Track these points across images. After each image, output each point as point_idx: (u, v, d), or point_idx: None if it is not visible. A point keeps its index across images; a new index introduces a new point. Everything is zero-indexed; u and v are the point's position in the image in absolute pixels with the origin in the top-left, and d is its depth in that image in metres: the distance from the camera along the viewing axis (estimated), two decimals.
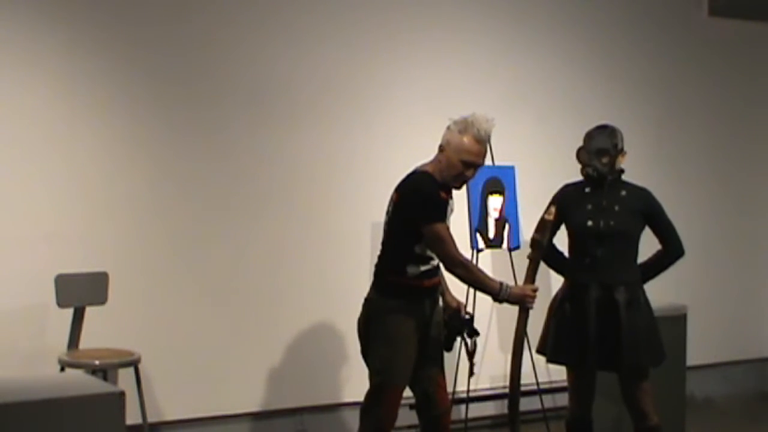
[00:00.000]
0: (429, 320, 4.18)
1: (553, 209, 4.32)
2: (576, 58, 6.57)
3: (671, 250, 4.50)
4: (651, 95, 6.85)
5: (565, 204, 4.50)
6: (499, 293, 4.09)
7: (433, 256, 4.11)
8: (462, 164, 4.08)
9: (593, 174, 4.41)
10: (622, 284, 4.38)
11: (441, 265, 4.17)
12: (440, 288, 4.29)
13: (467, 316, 4.29)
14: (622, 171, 4.49)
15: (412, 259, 4.09)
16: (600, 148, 4.39)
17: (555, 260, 4.62)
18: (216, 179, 5.48)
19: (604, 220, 4.39)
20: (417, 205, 4.05)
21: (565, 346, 4.44)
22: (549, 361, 4.57)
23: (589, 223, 4.41)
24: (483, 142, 4.08)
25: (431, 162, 4.17)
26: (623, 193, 4.44)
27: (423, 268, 4.11)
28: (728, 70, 7.18)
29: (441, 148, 4.12)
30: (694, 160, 7.03)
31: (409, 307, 4.11)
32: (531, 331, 5.69)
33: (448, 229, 4.07)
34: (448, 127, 4.13)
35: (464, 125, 4.08)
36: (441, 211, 4.06)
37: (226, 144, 5.51)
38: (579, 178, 4.55)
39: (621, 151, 4.45)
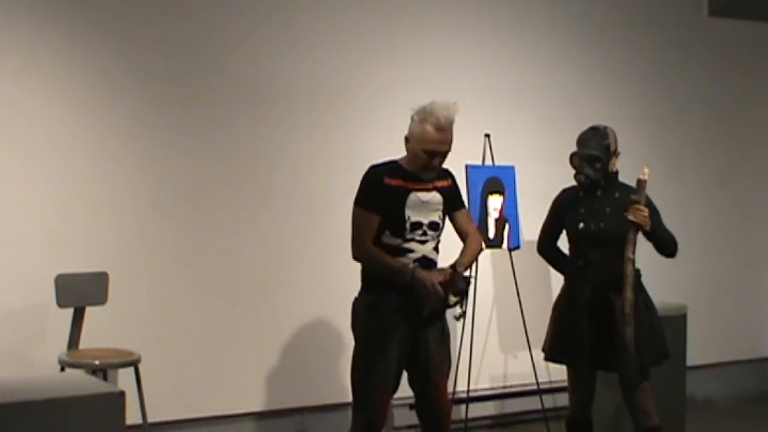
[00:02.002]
0: (418, 319, 4.06)
1: (646, 170, 4.27)
2: (576, 58, 6.57)
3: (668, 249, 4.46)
4: (651, 95, 6.85)
5: (563, 208, 4.54)
6: (407, 275, 3.94)
7: (413, 248, 4.04)
8: (426, 154, 4.04)
9: (585, 182, 4.43)
10: (618, 285, 4.39)
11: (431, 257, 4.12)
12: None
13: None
14: (616, 173, 4.49)
15: (386, 250, 4.04)
16: (591, 155, 4.39)
17: (558, 262, 4.64)
18: (216, 179, 5.48)
19: (595, 223, 4.40)
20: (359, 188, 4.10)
21: (560, 344, 4.48)
22: (546, 359, 4.60)
23: (581, 226, 4.42)
24: (444, 129, 4.00)
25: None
26: (616, 194, 4.45)
27: (401, 260, 4.02)
28: (728, 70, 7.18)
29: (406, 140, 4.09)
30: (694, 159, 7.04)
31: (387, 302, 4.03)
32: (531, 331, 5.73)
33: (368, 218, 4.01)
34: (411, 117, 4.08)
35: (423, 114, 4.02)
36: (368, 197, 4.03)
37: (226, 144, 5.51)
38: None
39: (614, 154, 4.45)
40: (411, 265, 3.98)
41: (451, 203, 4.21)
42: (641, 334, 4.36)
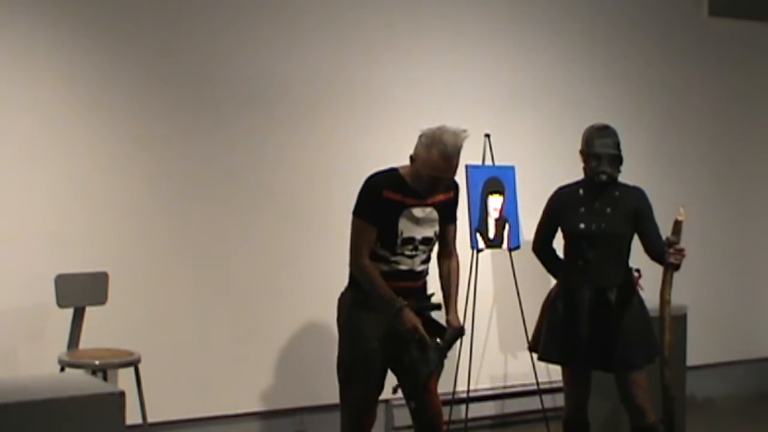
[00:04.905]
0: (399, 347, 4.05)
1: (682, 210, 4.28)
2: (575, 59, 6.57)
3: (658, 251, 4.45)
4: (650, 95, 6.85)
5: (560, 208, 4.52)
6: (394, 308, 3.96)
7: (400, 261, 4.06)
8: (430, 178, 4.00)
9: (607, 181, 4.39)
10: (615, 285, 4.40)
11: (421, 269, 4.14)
12: (423, 293, 4.20)
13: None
14: None
15: (375, 258, 4.06)
16: (613, 155, 4.38)
17: (550, 262, 4.63)
18: (216, 179, 5.48)
19: (596, 223, 4.40)
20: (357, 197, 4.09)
21: (555, 344, 4.47)
22: (540, 358, 4.60)
23: (582, 226, 4.41)
24: (450, 158, 3.94)
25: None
26: (616, 194, 4.45)
27: (384, 268, 4.05)
28: (728, 70, 7.18)
29: (411, 159, 4.04)
30: (694, 159, 7.04)
31: (370, 301, 4.05)
32: (531, 331, 5.72)
33: (367, 229, 4.01)
34: (420, 137, 4.02)
35: (432, 140, 3.95)
36: (367, 208, 4.03)
37: (226, 144, 5.51)
38: (575, 179, 4.55)
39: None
40: (400, 303, 3.96)
41: (444, 217, 4.18)
42: (634, 334, 4.37)
